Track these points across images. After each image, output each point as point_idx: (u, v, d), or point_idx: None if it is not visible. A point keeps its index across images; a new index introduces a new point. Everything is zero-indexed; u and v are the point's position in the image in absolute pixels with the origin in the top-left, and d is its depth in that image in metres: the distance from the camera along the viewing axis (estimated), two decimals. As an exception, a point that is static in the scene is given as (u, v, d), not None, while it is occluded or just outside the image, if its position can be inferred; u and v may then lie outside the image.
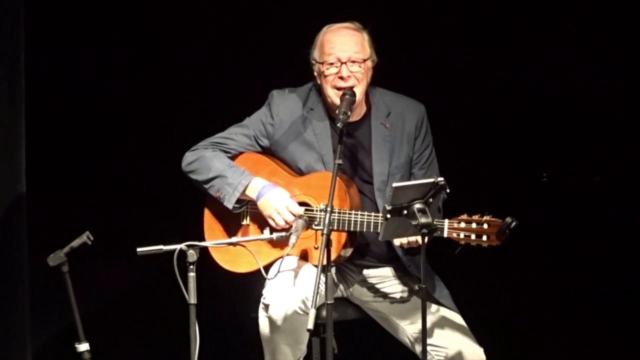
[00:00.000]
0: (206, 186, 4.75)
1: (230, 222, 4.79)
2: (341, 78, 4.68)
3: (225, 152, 4.81)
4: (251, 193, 4.70)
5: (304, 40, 4.83)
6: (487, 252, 4.51)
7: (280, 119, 4.82)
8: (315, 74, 4.80)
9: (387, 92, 4.89)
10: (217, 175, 4.73)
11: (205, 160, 4.77)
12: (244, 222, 4.78)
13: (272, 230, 4.65)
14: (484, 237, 4.44)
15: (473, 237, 4.44)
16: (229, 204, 4.70)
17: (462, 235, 4.45)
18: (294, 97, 4.86)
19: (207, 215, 4.82)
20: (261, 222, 4.74)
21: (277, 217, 4.64)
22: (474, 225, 4.45)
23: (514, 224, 4.32)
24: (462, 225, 4.46)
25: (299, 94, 4.87)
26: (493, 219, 4.44)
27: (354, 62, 4.70)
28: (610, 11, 5.82)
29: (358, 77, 4.70)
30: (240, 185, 4.69)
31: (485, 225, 4.43)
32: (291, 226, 4.58)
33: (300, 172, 4.79)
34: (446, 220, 4.47)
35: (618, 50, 5.86)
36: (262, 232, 4.70)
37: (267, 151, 4.85)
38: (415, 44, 5.93)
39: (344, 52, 4.68)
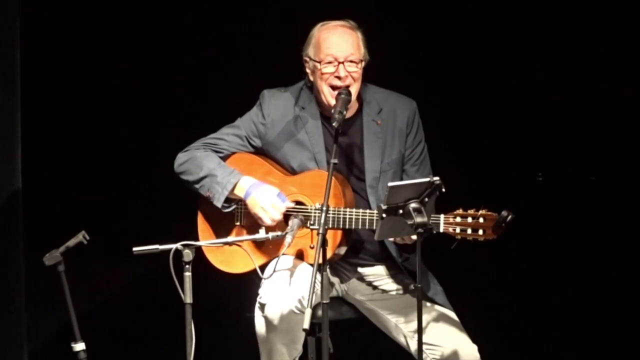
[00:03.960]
0: (197, 186, 4.75)
1: (224, 223, 4.79)
2: (338, 78, 4.68)
3: (217, 152, 4.80)
4: (239, 192, 4.69)
5: (295, 40, 4.82)
6: (481, 250, 4.51)
7: (272, 119, 4.82)
8: (309, 70, 4.79)
9: (378, 89, 4.89)
10: (207, 175, 4.73)
11: (196, 160, 4.77)
12: (238, 223, 4.78)
13: (268, 229, 4.66)
14: (480, 232, 4.43)
15: (469, 231, 4.44)
16: (218, 202, 4.69)
17: (458, 230, 4.45)
18: (285, 97, 4.86)
19: (201, 217, 4.82)
20: (255, 222, 4.73)
21: (264, 215, 4.63)
22: (469, 219, 4.44)
23: (509, 217, 4.31)
24: (458, 220, 4.45)
25: (290, 93, 4.86)
26: (489, 212, 4.43)
27: (351, 62, 4.70)
28: (610, 11, 5.82)
29: (354, 77, 4.70)
30: (229, 184, 4.69)
31: (481, 220, 4.43)
32: (278, 224, 4.59)
33: (293, 171, 4.78)
34: (441, 215, 4.46)
35: (617, 49, 5.86)
36: (255, 232, 4.69)
37: (259, 151, 4.85)
38: (411, 40, 5.93)
39: (342, 52, 4.68)
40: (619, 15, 5.82)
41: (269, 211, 4.63)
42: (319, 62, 4.71)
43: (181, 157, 4.82)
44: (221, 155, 4.80)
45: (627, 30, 5.82)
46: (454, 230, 4.45)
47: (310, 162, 4.76)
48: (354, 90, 4.70)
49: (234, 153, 4.83)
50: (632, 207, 5.88)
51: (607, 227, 5.91)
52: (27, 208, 5.19)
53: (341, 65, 4.69)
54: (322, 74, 4.71)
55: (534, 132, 6.00)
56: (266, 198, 4.63)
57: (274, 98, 4.85)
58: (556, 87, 5.96)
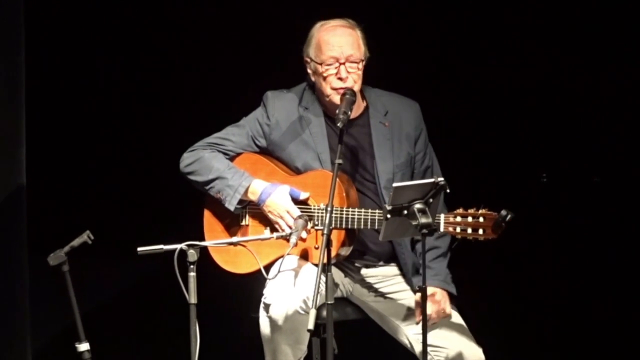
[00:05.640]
0: (206, 187, 4.76)
1: (230, 222, 4.80)
2: (340, 79, 4.69)
3: (224, 153, 4.81)
4: (252, 195, 4.71)
5: (300, 40, 4.82)
6: (486, 251, 4.51)
7: (277, 119, 4.82)
8: (310, 71, 4.79)
9: (382, 92, 4.90)
10: (218, 177, 4.74)
11: (204, 161, 4.78)
12: (243, 223, 4.79)
13: (272, 230, 4.66)
14: (480, 231, 4.43)
15: (469, 231, 4.44)
16: (231, 206, 4.71)
17: (458, 230, 4.45)
18: (289, 97, 4.86)
19: (207, 215, 4.83)
20: (260, 221, 4.74)
21: (281, 222, 4.67)
22: (469, 219, 4.44)
23: (509, 216, 4.32)
24: (458, 219, 4.45)
25: (294, 94, 4.87)
26: (488, 212, 4.43)
27: (352, 62, 4.70)
28: (610, 10, 5.82)
29: (354, 78, 4.70)
30: (241, 187, 4.70)
31: (481, 219, 4.43)
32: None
33: (297, 171, 4.79)
34: (442, 215, 4.47)
35: (618, 49, 5.86)
36: (261, 232, 4.70)
37: (264, 151, 4.85)
38: (412, 40, 5.93)
39: (343, 52, 4.68)
40: (621, 16, 5.82)
41: (285, 217, 4.64)
42: (320, 64, 4.72)
43: (188, 157, 4.82)
44: (227, 157, 4.81)
45: (630, 30, 5.82)
46: (454, 229, 4.45)
47: (315, 162, 4.76)
48: (357, 88, 4.70)
49: (239, 154, 4.83)
50: (635, 208, 5.88)
51: (611, 228, 5.90)
52: (31, 207, 5.19)
53: (342, 66, 4.69)
54: (324, 75, 4.72)
55: (538, 132, 5.99)
56: (281, 203, 4.65)
57: (277, 99, 4.85)
58: (560, 87, 5.95)
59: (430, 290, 4.58)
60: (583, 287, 5.93)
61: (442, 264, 4.75)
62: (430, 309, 4.60)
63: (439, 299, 4.66)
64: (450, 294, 4.71)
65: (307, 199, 4.69)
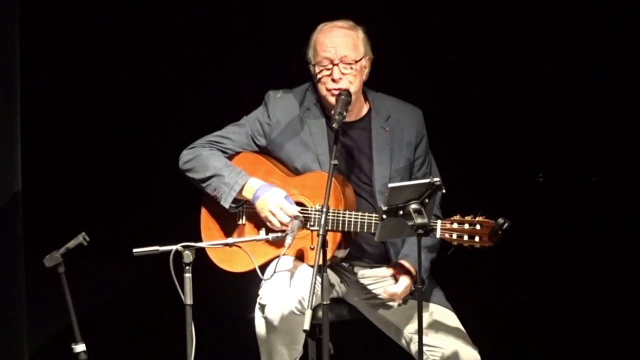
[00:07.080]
0: (203, 185, 4.76)
1: (227, 222, 4.80)
2: (333, 80, 4.69)
3: (222, 151, 4.81)
4: (247, 194, 4.71)
5: (302, 40, 4.83)
6: (483, 251, 4.52)
7: (277, 119, 4.83)
8: (312, 73, 4.80)
9: (386, 97, 4.90)
10: (214, 175, 4.74)
11: (202, 159, 4.78)
12: (240, 222, 4.79)
13: (268, 230, 4.66)
14: (477, 238, 4.43)
15: (466, 237, 4.44)
16: (226, 203, 4.71)
17: (454, 236, 4.45)
18: (290, 98, 4.87)
19: (204, 214, 4.83)
20: (257, 221, 4.74)
21: (273, 219, 4.65)
22: (466, 226, 4.44)
23: (506, 224, 4.32)
24: (455, 226, 4.45)
25: (296, 94, 4.88)
26: (485, 219, 4.43)
27: (346, 63, 4.70)
28: (610, 10, 5.82)
29: (350, 79, 4.70)
30: (237, 185, 4.70)
31: (478, 226, 4.43)
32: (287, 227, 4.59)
33: (296, 172, 4.79)
34: (439, 221, 4.47)
35: (617, 49, 5.86)
36: (258, 232, 4.70)
37: (263, 150, 4.86)
38: (408, 42, 5.93)
39: (335, 53, 4.69)
40: (619, 16, 5.82)
41: (278, 214, 4.64)
42: (315, 65, 4.73)
43: (186, 155, 4.82)
44: (226, 155, 4.81)
45: (627, 30, 5.82)
46: (451, 236, 4.45)
47: (314, 163, 4.77)
48: (353, 89, 4.70)
49: (238, 152, 4.84)
50: (633, 208, 5.88)
51: (608, 228, 5.90)
52: (27, 209, 5.20)
53: (335, 67, 4.70)
54: (319, 77, 4.72)
55: (535, 132, 5.99)
56: (274, 201, 4.64)
57: (279, 99, 4.86)
58: (556, 87, 5.96)
59: (409, 265, 4.65)
60: (581, 287, 5.93)
61: (428, 256, 4.75)
62: (403, 284, 4.62)
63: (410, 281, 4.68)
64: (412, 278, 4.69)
65: (296, 216, 4.64)
